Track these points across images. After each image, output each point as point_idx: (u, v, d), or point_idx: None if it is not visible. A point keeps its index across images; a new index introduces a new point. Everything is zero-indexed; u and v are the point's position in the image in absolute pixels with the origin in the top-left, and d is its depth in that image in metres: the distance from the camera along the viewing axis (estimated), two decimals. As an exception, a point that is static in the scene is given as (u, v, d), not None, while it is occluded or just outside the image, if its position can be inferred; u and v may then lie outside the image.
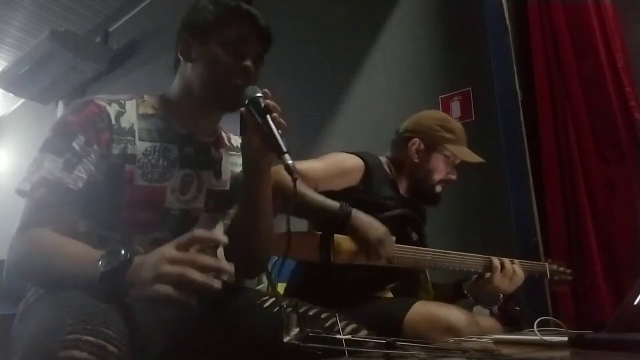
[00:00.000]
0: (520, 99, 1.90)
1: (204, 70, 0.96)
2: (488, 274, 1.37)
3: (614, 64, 1.82)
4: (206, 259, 0.71)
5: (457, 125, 1.54)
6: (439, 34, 2.29)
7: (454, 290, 1.47)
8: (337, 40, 2.68)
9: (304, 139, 2.62)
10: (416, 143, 1.49)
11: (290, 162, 0.81)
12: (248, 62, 0.95)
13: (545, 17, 1.99)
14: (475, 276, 1.42)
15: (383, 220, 1.26)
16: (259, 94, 0.89)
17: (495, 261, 1.37)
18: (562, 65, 1.92)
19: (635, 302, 0.70)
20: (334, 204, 1.22)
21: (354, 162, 1.39)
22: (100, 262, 0.73)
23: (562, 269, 1.58)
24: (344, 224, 1.20)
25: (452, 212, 2.03)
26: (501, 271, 1.36)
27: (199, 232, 0.76)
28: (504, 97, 1.95)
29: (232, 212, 1.05)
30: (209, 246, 0.77)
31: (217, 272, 0.71)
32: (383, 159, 1.52)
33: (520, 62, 1.96)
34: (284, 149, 0.82)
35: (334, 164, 1.36)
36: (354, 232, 1.20)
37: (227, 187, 1.05)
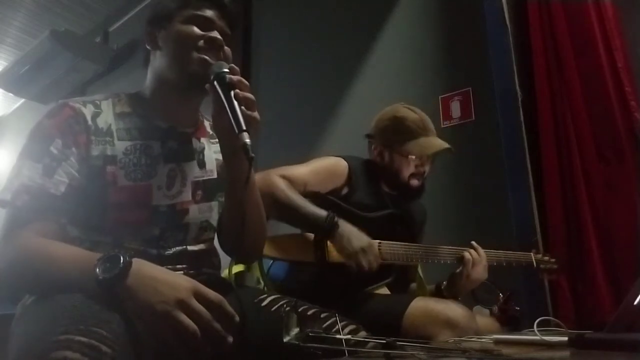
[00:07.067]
0: (520, 99, 1.90)
1: (170, 49, 0.96)
2: (459, 269, 1.39)
3: (614, 64, 1.83)
4: (218, 328, 0.71)
5: (413, 119, 1.47)
6: (439, 34, 2.29)
7: (435, 294, 1.47)
8: (337, 41, 2.68)
9: (304, 140, 2.62)
10: (377, 148, 1.52)
11: (247, 140, 0.76)
12: (214, 33, 0.94)
13: (545, 17, 1.99)
14: (449, 278, 1.44)
15: (369, 220, 1.29)
16: (225, 69, 0.86)
17: (467, 255, 1.39)
18: (562, 65, 1.92)
19: (635, 302, 0.70)
20: (321, 212, 1.24)
21: (339, 164, 1.42)
22: (97, 268, 0.71)
23: (547, 258, 1.61)
24: (328, 232, 1.23)
25: (452, 212, 2.03)
26: (473, 262, 1.38)
27: (224, 300, 0.74)
28: (504, 97, 1.95)
29: (223, 199, 1.04)
30: (222, 317, 0.73)
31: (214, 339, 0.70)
32: (366, 160, 1.55)
33: (520, 62, 1.96)
34: (243, 127, 0.78)
35: (321, 168, 1.40)
36: (338, 242, 1.23)
37: (214, 176, 1.03)
